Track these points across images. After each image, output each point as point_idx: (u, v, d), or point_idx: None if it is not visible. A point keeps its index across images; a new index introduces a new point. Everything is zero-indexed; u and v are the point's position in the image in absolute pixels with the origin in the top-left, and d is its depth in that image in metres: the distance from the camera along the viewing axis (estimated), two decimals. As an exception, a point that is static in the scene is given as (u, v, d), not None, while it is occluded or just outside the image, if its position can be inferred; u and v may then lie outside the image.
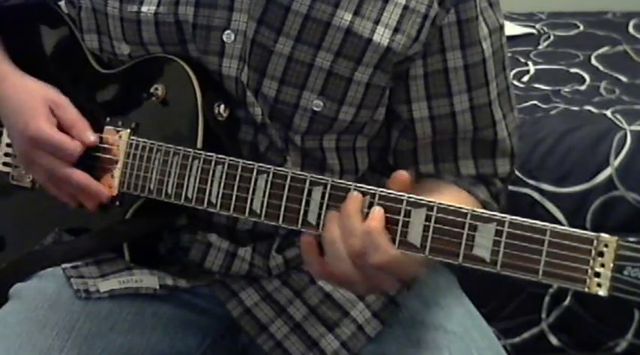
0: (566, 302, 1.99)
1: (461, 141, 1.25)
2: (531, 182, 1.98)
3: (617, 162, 1.96)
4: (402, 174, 1.05)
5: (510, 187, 1.91)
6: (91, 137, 1.22)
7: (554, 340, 2.01)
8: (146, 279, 1.24)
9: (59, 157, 1.20)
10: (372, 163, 1.30)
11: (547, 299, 2.00)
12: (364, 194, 1.04)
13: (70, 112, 1.22)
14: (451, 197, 1.16)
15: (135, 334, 1.22)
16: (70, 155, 1.20)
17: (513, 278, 0.99)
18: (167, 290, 1.25)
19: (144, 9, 1.21)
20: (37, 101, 1.22)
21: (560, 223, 1.89)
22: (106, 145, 1.22)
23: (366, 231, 1.01)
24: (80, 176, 1.20)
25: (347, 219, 1.02)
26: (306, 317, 1.25)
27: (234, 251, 1.26)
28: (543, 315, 2.00)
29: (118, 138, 1.22)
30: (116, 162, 1.21)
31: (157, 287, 1.24)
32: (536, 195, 1.98)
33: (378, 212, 1.02)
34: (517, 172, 1.96)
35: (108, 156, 1.22)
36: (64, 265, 1.25)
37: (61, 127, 1.21)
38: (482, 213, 0.98)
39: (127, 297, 1.23)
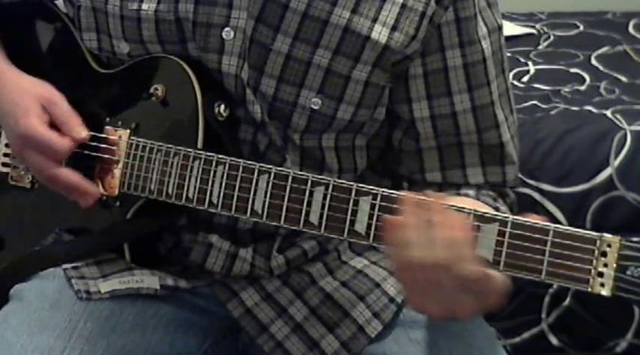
0: (566, 302, 1.99)
1: (467, 148, 1.24)
2: (531, 182, 1.98)
3: (617, 162, 1.96)
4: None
5: (510, 187, 1.91)
6: (82, 133, 1.20)
7: (554, 340, 2.01)
8: (147, 280, 1.24)
9: (48, 156, 1.19)
10: (371, 163, 1.30)
11: (547, 299, 2.00)
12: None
13: (62, 109, 1.20)
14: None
15: (136, 334, 1.22)
16: (58, 153, 1.18)
17: (514, 278, 0.99)
18: (168, 291, 1.24)
19: (144, 6, 1.21)
20: (30, 99, 1.20)
21: (560, 223, 1.89)
22: (106, 145, 1.22)
23: (454, 241, 0.96)
24: (68, 174, 1.19)
25: (431, 229, 0.97)
26: (306, 317, 1.25)
27: (235, 251, 1.25)
28: (543, 315, 2.00)
29: (118, 139, 1.21)
30: (117, 162, 1.21)
31: (158, 287, 1.24)
32: (536, 195, 1.98)
33: (458, 218, 0.97)
34: (517, 173, 1.96)
35: (108, 156, 1.21)
36: (64, 265, 1.24)
37: (53, 124, 1.20)
38: (485, 213, 0.98)
39: (127, 298, 1.23)
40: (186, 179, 1.14)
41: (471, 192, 1.24)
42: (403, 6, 1.17)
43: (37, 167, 1.21)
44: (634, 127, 2.00)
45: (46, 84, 1.23)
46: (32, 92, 1.21)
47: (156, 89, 1.21)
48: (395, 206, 1.02)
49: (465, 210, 0.99)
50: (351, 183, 1.05)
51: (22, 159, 1.24)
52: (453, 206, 0.99)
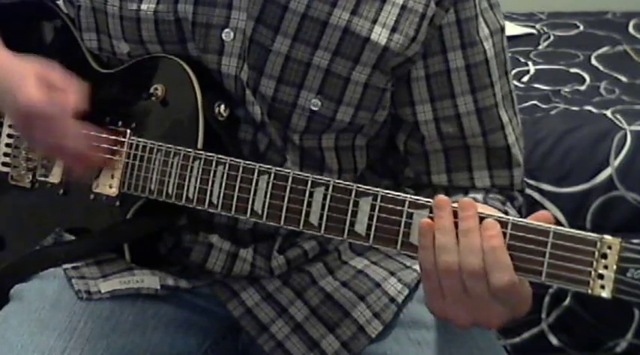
0: (566, 302, 1.99)
1: (474, 151, 1.24)
2: (531, 182, 1.98)
3: (617, 162, 1.96)
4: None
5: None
6: (78, 94, 1.16)
7: (554, 340, 2.01)
8: (147, 279, 1.24)
9: (53, 122, 1.15)
10: (371, 163, 1.30)
11: (547, 299, 2.00)
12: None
13: (57, 75, 1.17)
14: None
15: (136, 334, 1.22)
16: (62, 113, 1.15)
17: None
18: (168, 291, 1.25)
19: (143, 7, 1.21)
20: (25, 73, 1.17)
21: (560, 223, 1.89)
22: (106, 145, 1.22)
23: (490, 249, 0.95)
24: (76, 128, 1.16)
25: (467, 235, 0.97)
26: (307, 317, 1.25)
27: (235, 252, 1.25)
28: (543, 315, 2.00)
29: (118, 139, 1.21)
30: (117, 162, 1.21)
31: (158, 287, 1.24)
32: (536, 195, 1.98)
33: (494, 225, 0.96)
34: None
35: (108, 156, 1.21)
36: (64, 266, 1.24)
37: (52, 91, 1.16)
38: (484, 214, 0.98)
39: (128, 298, 1.23)
40: (186, 179, 1.14)
41: (479, 196, 1.23)
42: (403, 7, 1.17)
43: (43, 136, 1.17)
44: (634, 127, 2.00)
45: (37, 58, 1.20)
46: (26, 67, 1.18)
47: (156, 89, 1.21)
48: (392, 206, 1.02)
49: (502, 218, 0.97)
50: (351, 183, 1.05)
51: (27, 133, 1.21)
52: (489, 214, 0.98)
